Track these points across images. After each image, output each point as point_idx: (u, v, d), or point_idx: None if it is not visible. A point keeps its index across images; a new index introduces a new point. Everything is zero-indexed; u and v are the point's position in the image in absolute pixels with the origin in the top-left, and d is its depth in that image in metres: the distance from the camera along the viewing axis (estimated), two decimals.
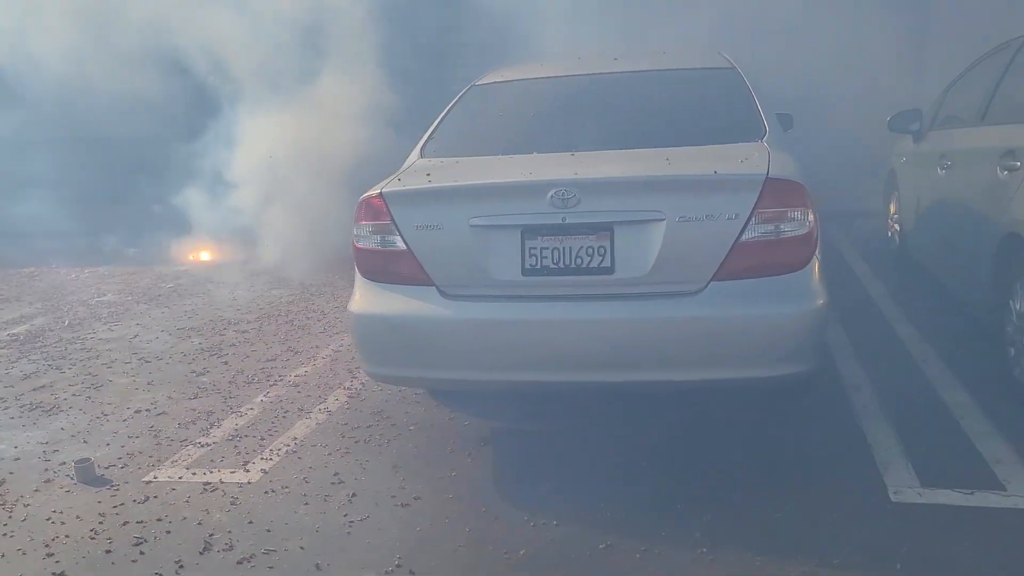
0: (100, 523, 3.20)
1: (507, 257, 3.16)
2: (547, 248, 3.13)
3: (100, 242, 9.34)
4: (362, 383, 4.55)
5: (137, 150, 10.00)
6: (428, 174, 3.43)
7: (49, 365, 5.24)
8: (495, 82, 4.40)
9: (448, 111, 4.18)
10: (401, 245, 3.28)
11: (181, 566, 2.87)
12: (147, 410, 4.38)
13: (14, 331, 6.12)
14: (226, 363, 5.11)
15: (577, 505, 3.11)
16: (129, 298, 7.03)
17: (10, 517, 3.29)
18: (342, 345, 5.31)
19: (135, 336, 5.84)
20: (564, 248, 3.11)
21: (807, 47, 8.82)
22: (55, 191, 9.16)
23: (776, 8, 8.94)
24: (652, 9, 8.52)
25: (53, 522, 3.23)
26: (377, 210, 3.31)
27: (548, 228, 3.11)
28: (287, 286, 7.17)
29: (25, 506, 3.38)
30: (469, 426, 3.91)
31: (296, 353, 5.23)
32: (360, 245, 3.40)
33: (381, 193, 3.31)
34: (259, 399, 4.45)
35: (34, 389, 4.79)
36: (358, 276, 3.47)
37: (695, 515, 2.99)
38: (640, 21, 8.49)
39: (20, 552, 3.02)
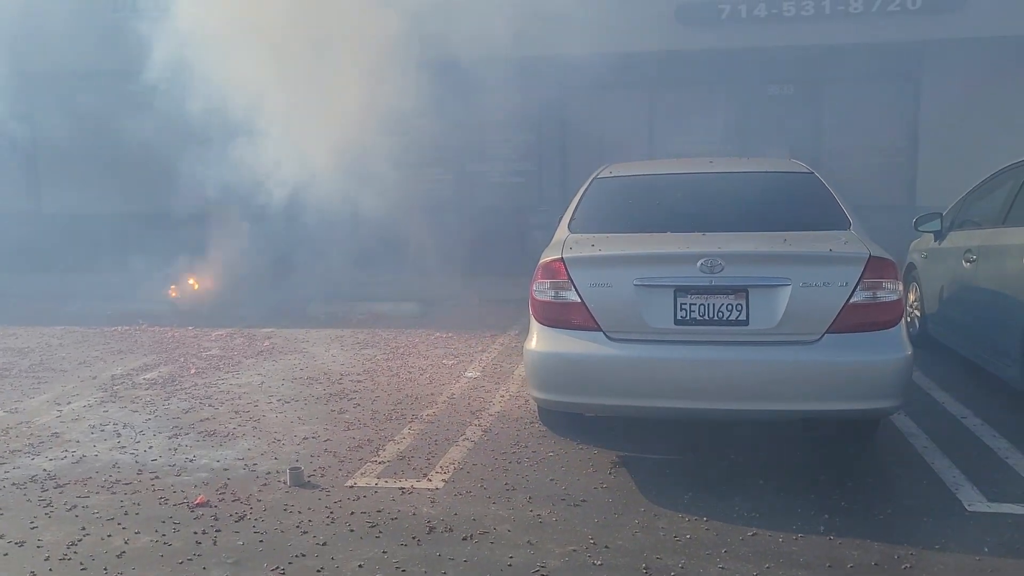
0: (331, 513, 3.95)
1: (662, 310, 4.07)
2: (695, 304, 4.04)
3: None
4: (491, 422, 5.35)
5: None
6: (593, 244, 4.36)
7: (200, 403, 5.98)
8: (614, 176, 5.39)
9: (581, 198, 5.15)
10: (575, 299, 4.17)
11: (418, 542, 3.63)
12: (313, 438, 5.13)
13: (148, 376, 6.86)
14: (358, 405, 5.89)
15: (718, 509, 3.91)
16: (235, 353, 7.79)
17: (251, 508, 4.02)
18: (454, 393, 6.12)
19: (261, 383, 6.59)
20: (709, 304, 4.03)
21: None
22: None
23: None
24: None
25: (290, 512, 3.97)
26: (556, 271, 4.23)
27: (697, 288, 4.03)
28: (375, 347, 7.98)
29: (259, 500, 4.11)
30: (598, 454, 4.71)
31: (416, 399, 6.02)
32: (539, 298, 4.30)
33: (562, 258, 4.23)
34: (406, 431, 5.23)
35: (200, 420, 5.53)
36: (535, 322, 4.34)
37: (817, 516, 3.81)
38: None
39: (279, 531, 3.76)
